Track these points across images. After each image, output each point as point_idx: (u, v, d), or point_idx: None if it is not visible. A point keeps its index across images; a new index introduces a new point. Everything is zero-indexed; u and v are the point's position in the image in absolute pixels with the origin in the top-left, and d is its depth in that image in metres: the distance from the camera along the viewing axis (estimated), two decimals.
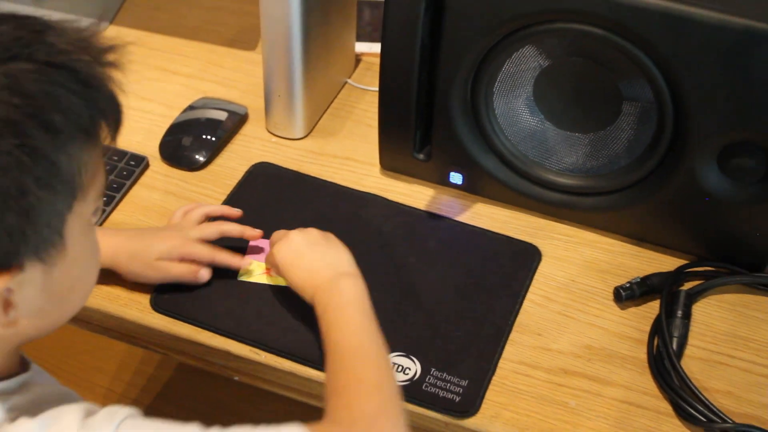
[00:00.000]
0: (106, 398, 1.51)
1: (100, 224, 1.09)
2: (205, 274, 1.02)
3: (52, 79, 0.61)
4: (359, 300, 0.92)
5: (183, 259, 1.01)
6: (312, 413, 0.95)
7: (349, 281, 0.93)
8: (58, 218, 0.64)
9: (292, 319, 1.00)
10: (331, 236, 1.00)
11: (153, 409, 1.47)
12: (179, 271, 1.01)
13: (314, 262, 0.96)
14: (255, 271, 1.05)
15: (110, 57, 0.66)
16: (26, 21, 0.63)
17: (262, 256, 1.06)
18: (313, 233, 0.99)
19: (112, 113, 0.66)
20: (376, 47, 1.33)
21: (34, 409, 0.69)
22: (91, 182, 0.66)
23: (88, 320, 1.04)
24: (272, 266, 1.01)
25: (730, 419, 0.93)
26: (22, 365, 0.74)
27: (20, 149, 0.59)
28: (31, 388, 0.72)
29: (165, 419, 0.71)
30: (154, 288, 1.03)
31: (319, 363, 0.96)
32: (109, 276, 1.02)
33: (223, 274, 1.04)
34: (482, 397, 0.95)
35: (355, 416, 0.81)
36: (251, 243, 1.07)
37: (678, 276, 1.06)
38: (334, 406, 0.83)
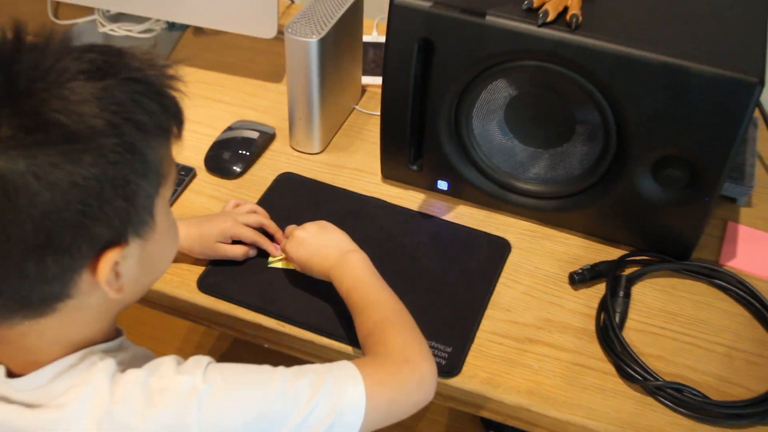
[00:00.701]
0: None
1: None
2: (253, 253, 1.05)
3: (135, 90, 0.62)
4: (366, 266, 0.93)
5: (233, 239, 1.03)
6: None
7: (354, 255, 0.94)
8: (150, 201, 0.65)
9: (309, 298, 1.01)
10: (326, 224, 1.00)
11: None
12: (234, 252, 1.03)
13: (322, 249, 0.96)
14: (279, 259, 1.06)
15: (171, 71, 0.67)
16: (106, 49, 0.64)
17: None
18: (311, 228, 0.99)
19: (178, 114, 0.67)
20: (378, 80, 1.33)
21: (134, 362, 0.70)
22: (168, 171, 0.68)
23: (148, 299, 1.04)
24: (291, 261, 1.01)
25: (661, 378, 0.94)
26: (117, 331, 0.75)
27: (122, 146, 0.60)
28: (126, 347, 0.74)
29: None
30: (199, 273, 1.04)
31: (331, 333, 0.97)
32: None
33: (255, 262, 1.05)
34: (463, 361, 0.96)
35: (389, 348, 0.82)
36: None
37: (620, 264, 1.07)
38: (370, 345, 0.84)
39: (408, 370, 0.80)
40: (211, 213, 1.13)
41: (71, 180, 0.58)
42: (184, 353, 1.51)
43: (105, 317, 0.71)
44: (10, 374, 0.68)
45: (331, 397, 0.72)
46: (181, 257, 1.05)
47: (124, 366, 0.69)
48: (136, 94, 0.62)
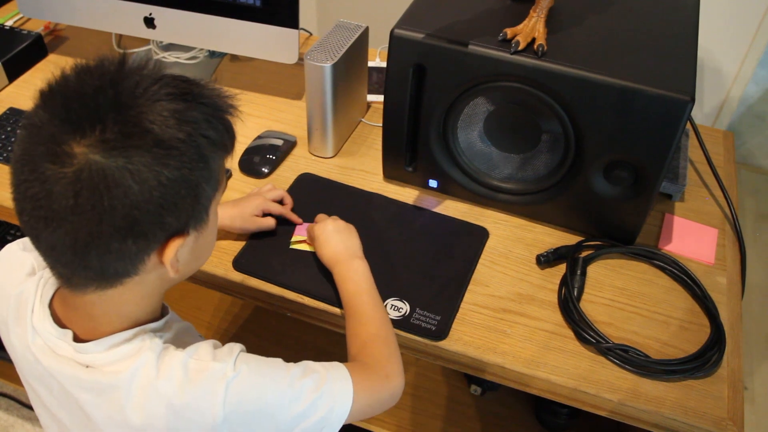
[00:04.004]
0: (207, 328, 1.52)
1: None
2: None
3: (206, 113, 0.62)
4: (366, 276, 0.92)
5: (265, 213, 1.05)
6: (334, 335, 0.95)
7: (359, 262, 0.93)
8: (208, 202, 0.65)
9: (323, 276, 1.00)
10: (352, 227, 0.99)
11: (236, 335, 1.48)
12: (268, 223, 1.05)
13: (337, 244, 0.96)
14: (300, 242, 1.05)
15: (233, 102, 0.67)
16: (187, 79, 0.64)
17: (304, 232, 1.06)
18: (339, 224, 0.99)
19: (233, 135, 0.67)
20: (380, 98, 1.32)
21: (178, 340, 0.70)
22: (222, 178, 0.68)
23: (192, 277, 1.02)
24: (310, 238, 1.01)
25: (611, 341, 0.94)
26: (163, 308, 0.74)
27: (197, 156, 0.61)
28: (171, 325, 0.73)
29: (252, 352, 0.72)
30: (234, 255, 1.03)
31: (341, 305, 0.96)
32: None
33: (280, 245, 1.04)
34: (450, 327, 0.95)
35: (376, 362, 0.82)
36: (297, 225, 1.07)
37: (578, 247, 1.06)
38: (356, 350, 0.84)
39: (386, 383, 0.80)
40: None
41: (158, 179, 0.58)
42: (223, 320, 1.51)
43: (157, 293, 0.70)
44: (76, 339, 0.68)
45: (329, 396, 0.72)
46: (220, 237, 1.04)
47: (168, 345, 0.69)
48: (207, 115, 0.62)
